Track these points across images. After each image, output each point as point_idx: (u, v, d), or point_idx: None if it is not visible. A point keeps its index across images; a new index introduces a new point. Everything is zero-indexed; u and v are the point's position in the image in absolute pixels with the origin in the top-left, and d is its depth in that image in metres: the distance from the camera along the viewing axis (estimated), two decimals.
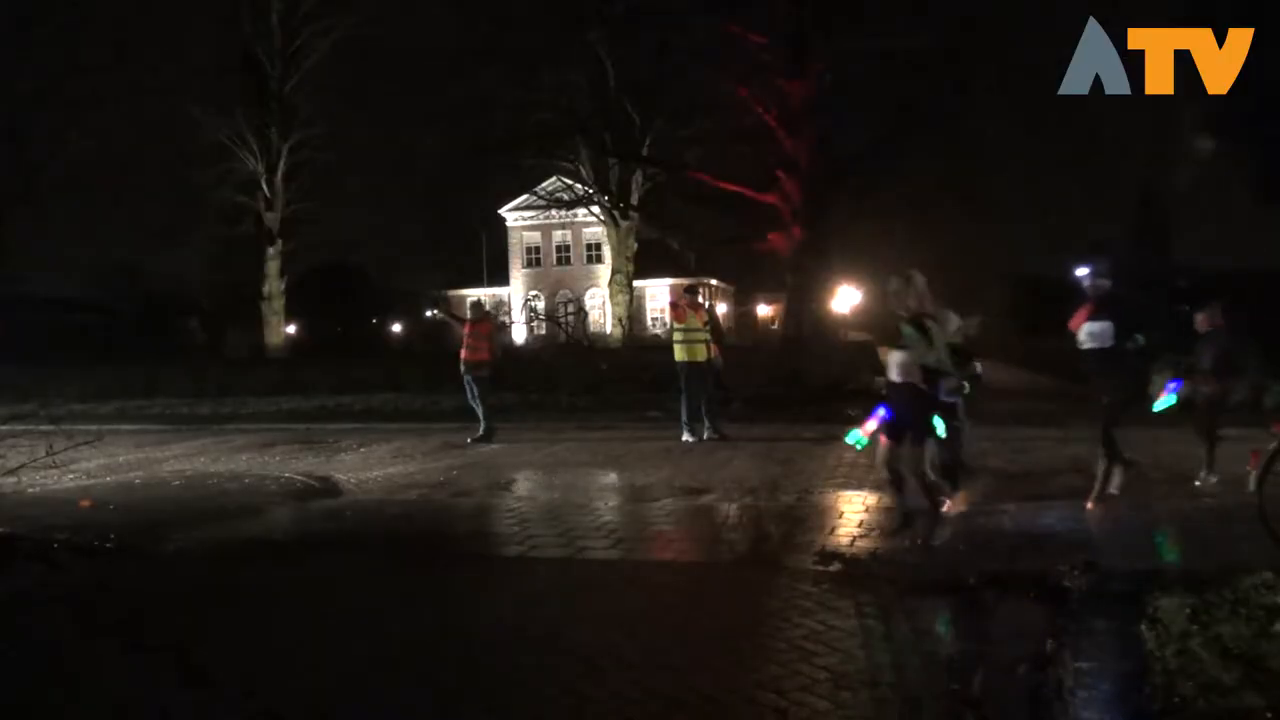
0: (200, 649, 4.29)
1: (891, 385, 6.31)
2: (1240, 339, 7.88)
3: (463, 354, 12.30)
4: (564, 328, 33.29)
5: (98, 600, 5.29)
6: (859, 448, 7.02)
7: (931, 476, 6.49)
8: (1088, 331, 7.27)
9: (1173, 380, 7.72)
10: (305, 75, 37.06)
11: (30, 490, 8.74)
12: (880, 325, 6.77)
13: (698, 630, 4.54)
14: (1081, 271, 7.73)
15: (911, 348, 6.18)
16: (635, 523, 7.19)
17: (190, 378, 22.53)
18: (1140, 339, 7.23)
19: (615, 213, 37.89)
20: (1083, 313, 7.36)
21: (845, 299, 32.94)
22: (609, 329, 41.46)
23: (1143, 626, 4.15)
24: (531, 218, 50.98)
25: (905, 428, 6.23)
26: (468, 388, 12.36)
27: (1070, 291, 8.05)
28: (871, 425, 6.43)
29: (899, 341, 6.27)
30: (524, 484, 9.08)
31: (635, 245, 40.03)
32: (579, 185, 37.24)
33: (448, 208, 42.42)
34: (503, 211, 52.10)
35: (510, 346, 33.33)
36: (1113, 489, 7.15)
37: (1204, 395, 7.71)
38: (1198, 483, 7.60)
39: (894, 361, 6.31)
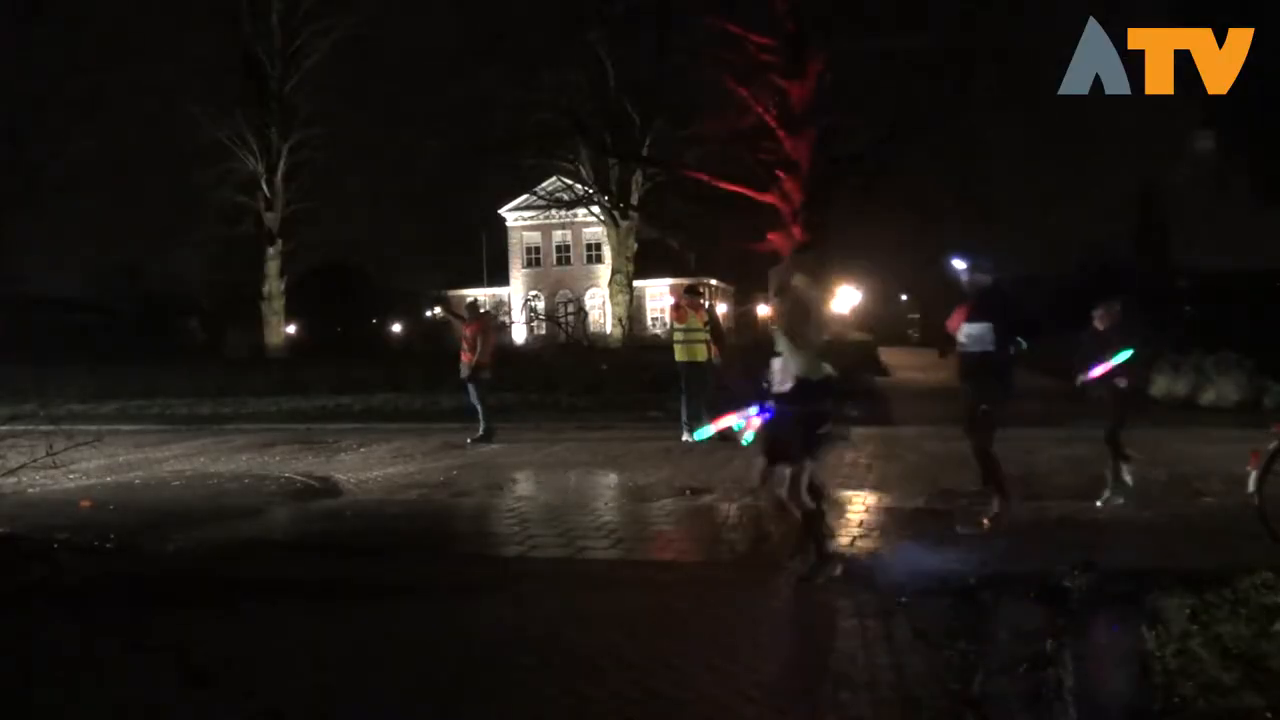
0: (200, 649, 4.29)
1: (776, 396, 5.50)
2: (1140, 337, 7.33)
3: (461, 355, 12.37)
4: (564, 328, 33.35)
5: (98, 600, 5.28)
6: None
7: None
8: (966, 333, 6.43)
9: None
10: (305, 75, 37.08)
11: (30, 490, 8.74)
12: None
13: (698, 630, 4.54)
14: (959, 265, 6.64)
15: (783, 355, 5.43)
16: (635, 523, 7.20)
17: (190, 378, 22.48)
18: (1022, 344, 6.40)
19: (615, 213, 37.89)
20: (960, 312, 6.49)
21: (845, 299, 32.94)
22: (609, 329, 41.44)
23: (1143, 626, 4.15)
24: (531, 218, 50.95)
25: (781, 443, 5.50)
26: (468, 387, 12.41)
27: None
28: (734, 419, 5.76)
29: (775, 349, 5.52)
30: (524, 484, 9.08)
31: (635, 245, 40.03)
32: (579, 185, 37.24)
33: (448, 208, 42.49)
34: (503, 211, 52.07)
35: (507, 346, 33.29)
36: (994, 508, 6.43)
37: (1118, 391, 7.05)
38: (1099, 503, 6.99)
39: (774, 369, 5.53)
